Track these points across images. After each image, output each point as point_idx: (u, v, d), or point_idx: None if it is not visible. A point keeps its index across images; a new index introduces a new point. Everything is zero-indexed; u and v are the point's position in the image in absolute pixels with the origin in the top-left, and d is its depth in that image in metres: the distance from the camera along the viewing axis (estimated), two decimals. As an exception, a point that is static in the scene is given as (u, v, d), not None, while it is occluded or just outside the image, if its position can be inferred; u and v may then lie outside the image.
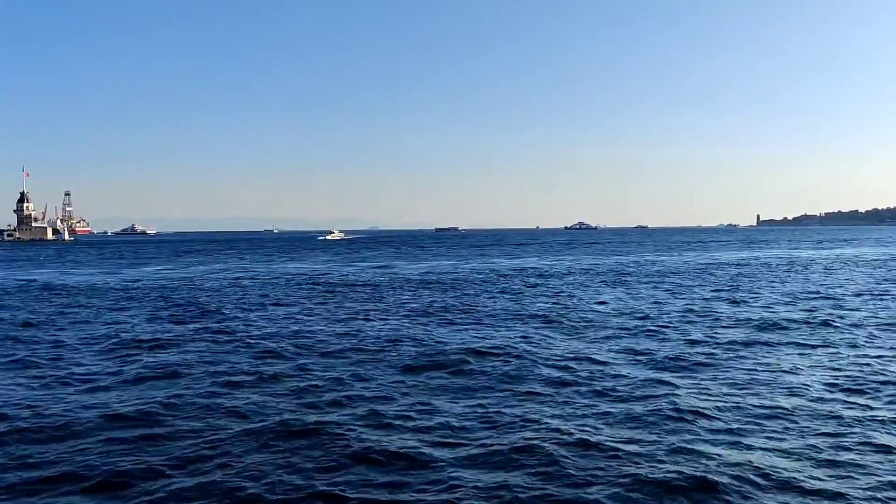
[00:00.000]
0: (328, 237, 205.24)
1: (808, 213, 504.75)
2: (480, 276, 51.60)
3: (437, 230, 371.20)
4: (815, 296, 35.37)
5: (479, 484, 10.08)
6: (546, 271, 57.29)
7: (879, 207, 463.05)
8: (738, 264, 65.30)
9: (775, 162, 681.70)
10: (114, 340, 22.51)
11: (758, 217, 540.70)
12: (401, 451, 11.34)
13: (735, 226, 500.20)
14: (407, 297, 36.81)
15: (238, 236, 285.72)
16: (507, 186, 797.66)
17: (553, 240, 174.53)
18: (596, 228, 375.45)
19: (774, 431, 12.41)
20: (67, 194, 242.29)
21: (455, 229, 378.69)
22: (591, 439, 11.85)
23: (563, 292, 38.44)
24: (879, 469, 10.59)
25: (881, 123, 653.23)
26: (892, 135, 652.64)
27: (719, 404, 14.09)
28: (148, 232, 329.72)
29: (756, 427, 12.65)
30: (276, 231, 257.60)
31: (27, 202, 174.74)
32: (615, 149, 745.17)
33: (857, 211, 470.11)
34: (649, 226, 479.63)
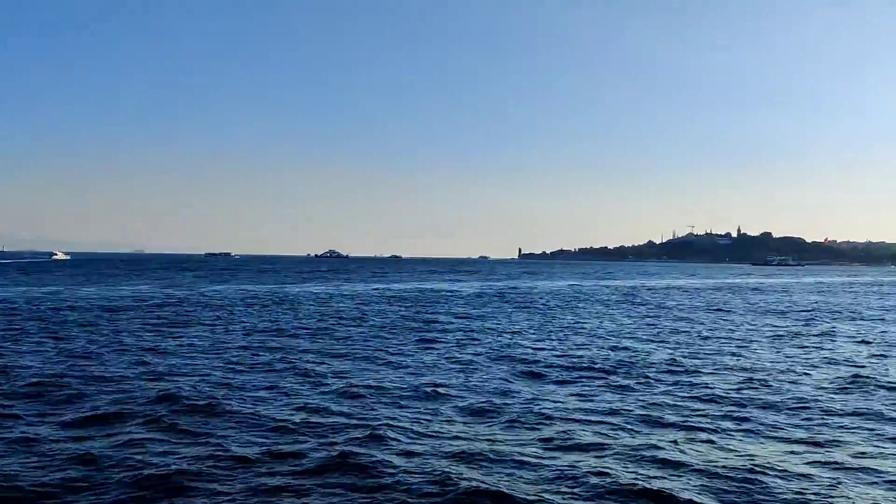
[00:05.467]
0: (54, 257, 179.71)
1: (564, 248, 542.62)
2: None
3: (208, 255, 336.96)
4: None
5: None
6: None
7: (625, 245, 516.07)
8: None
9: (534, 200, 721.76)
10: None
11: (519, 251, 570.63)
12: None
13: (486, 258, 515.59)
14: None
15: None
16: (281, 213, 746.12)
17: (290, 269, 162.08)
18: (347, 256, 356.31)
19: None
20: None
21: (228, 254, 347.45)
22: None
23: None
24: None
25: (623, 168, 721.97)
26: (631, 180, 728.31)
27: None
28: None
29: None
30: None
31: None
32: (371, 178, 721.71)
33: (606, 247, 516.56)
34: (403, 256, 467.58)
